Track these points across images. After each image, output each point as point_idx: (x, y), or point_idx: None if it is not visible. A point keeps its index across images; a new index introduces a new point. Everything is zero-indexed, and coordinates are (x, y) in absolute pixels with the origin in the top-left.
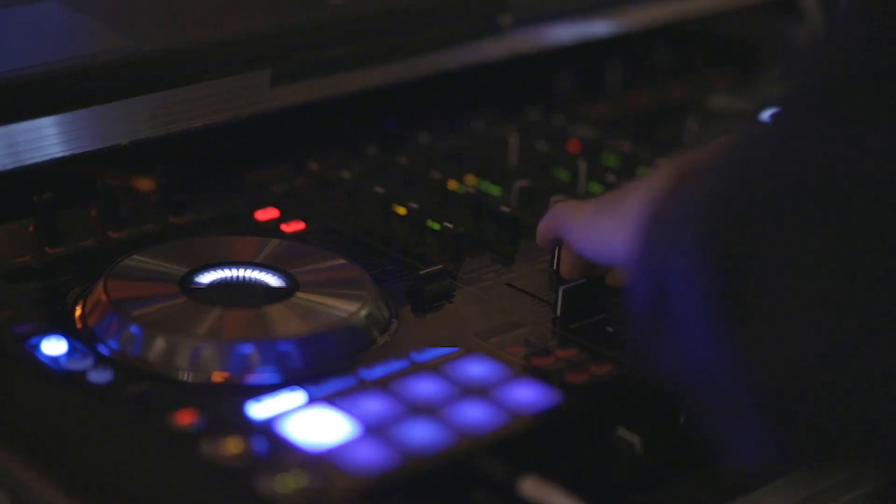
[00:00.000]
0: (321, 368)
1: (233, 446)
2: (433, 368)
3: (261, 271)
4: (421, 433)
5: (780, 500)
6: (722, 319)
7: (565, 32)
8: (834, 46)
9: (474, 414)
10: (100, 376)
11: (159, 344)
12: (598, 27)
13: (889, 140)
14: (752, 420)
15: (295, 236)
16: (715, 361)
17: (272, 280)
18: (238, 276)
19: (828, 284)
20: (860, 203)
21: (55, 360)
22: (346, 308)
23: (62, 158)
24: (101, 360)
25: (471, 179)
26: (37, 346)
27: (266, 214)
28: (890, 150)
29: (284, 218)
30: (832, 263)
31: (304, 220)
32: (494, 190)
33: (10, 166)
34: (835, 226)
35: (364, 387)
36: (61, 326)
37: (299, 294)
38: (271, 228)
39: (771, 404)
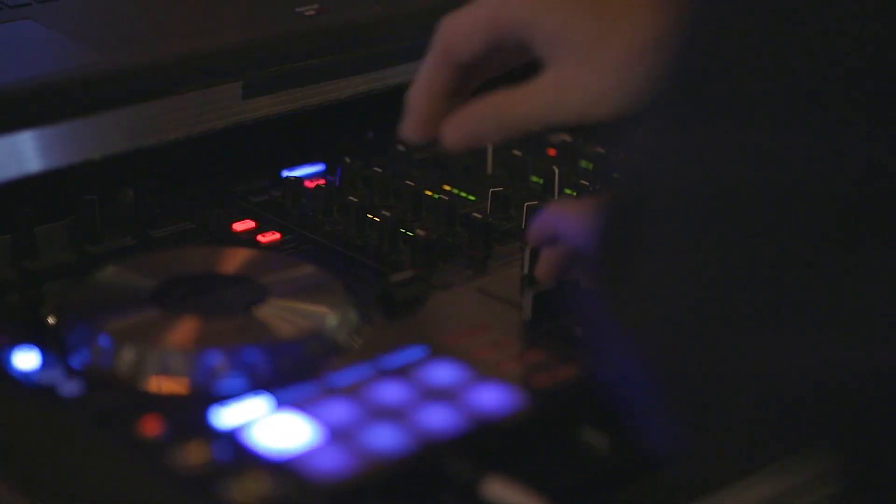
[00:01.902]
0: (290, 375)
1: (198, 454)
2: (401, 373)
3: (232, 281)
4: (388, 437)
5: (744, 500)
6: (609, 286)
7: None
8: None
9: (442, 417)
10: (70, 388)
11: (129, 355)
12: None
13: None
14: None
15: (270, 246)
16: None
17: (244, 290)
18: (209, 287)
19: (692, 255)
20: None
21: (26, 372)
22: (315, 315)
23: (39, 173)
24: (72, 372)
25: (447, 187)
26: (9, 359)
27: (243, 226)
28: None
29: (261, 228)
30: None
31: (280, 231)
32: (471, 198)
33: None
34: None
35: (332, 392)
36: (35, 339)
37: (270, 303)
38: (248, 239)
39: (653, 363)
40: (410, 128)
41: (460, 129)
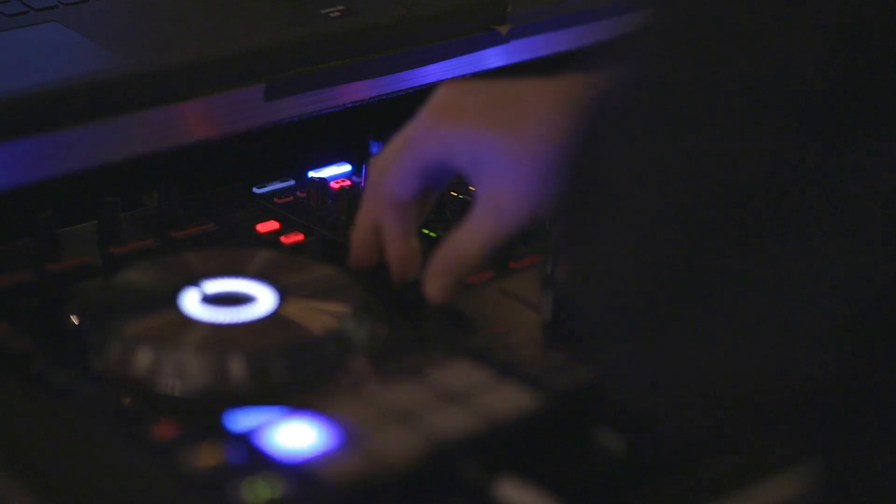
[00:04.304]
0: (307, 377)
1: (211, 457)
2: (417, 374)
3: (251, 283)
4: (402, 439)
5: (763, 500)
6: (571, 241)
7: (564, 40)
8: None
9: (457, 419)
10: (88, 390)
11: (146, 357)
12: (597, 34)
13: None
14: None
15: (293, 248)
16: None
17: (262, 291)
18: (228, 289)
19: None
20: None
21: (46, 373)
22: (332, 317)
23: (63, 175)
24: (91, 374)
25: (472, 188)
26: (30, 360)
27: (266, 227)
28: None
29: (284, 230)
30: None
31: (304, 232)
32: None
33: (11, 184)
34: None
35: (347, 394)
36: (56, 341)
37: (288, 304)
38: (271, 241)
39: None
40: (354, 261)
41: (435, 288)
